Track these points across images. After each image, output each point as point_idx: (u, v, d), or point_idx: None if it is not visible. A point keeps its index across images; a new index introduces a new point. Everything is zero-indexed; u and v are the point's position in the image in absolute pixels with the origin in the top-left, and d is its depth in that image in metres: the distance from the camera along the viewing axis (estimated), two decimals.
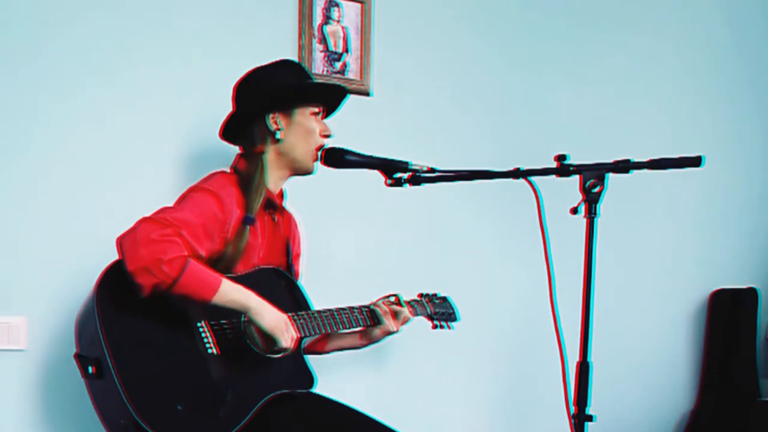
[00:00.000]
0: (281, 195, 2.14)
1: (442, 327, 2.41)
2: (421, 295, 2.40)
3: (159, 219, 1.78)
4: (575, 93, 3.17)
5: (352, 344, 2.27)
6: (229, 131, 2.12)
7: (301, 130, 2.07)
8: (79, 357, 1.81)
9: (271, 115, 2.05)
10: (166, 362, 1.80)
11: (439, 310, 2.40)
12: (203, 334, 1.86)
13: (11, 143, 2.21)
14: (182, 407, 1.77)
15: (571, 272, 2.14)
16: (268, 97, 2.04)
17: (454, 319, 2.45)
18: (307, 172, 2.12)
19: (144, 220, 1.78)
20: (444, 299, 2.45)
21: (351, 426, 2.01)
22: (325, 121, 2.15)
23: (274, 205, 2.10)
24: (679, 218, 3.46)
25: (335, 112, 2.21)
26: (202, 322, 1.87)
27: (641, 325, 3.34)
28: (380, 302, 2.21)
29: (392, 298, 2.24)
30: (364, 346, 2.27)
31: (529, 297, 2.92)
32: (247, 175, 2.03)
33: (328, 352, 2.31)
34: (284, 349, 1.91)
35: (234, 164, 2.09)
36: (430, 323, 2.40)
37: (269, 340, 1.90)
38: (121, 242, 1.75)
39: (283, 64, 2.12)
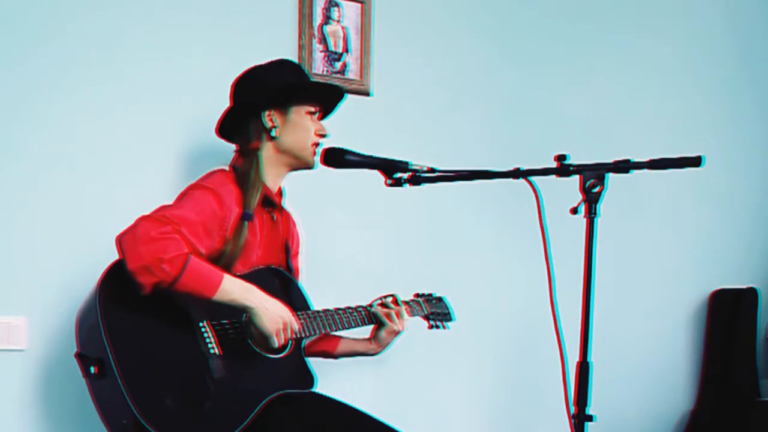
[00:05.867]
0: (280, 193, 2.14)
1: (438, 327, 2.43)
2: (417, 295, 2.40)
3: (158, 217, 1.77)
4: (575, 93, 3.17)
5: (365, 350, 2.25)
6: (225, 128, 2.13)
7: (295, 129, 2.07)
8: (80, 356, 1.81)
9: (266, 112, 2.06)
10: (168, 362, 1.79)
11: (435, 311, 2.41)
12: (205, 334, 1.86)
13: (11, 143, 2.21)
14: (184, 407, 1.77)
15: (571, 272, 2.14)
16: (265, 93, 2.04)
17: (450, 320, 2.46)
18: (307, 167, 2.12)
19: (143, 218, 1.78)
20: (440, 299, 2.46)
21: (352, 425, 2.01)
22: (323, 121, 2.15)
23: (272, 204, 2.10)
24: (679, 218, 3.46)
25: (332, 114, 2.21)
26: (204, 322, 1.87)
27: (641, 325, 3.34)
28: (377, 303, 2.22)
29: (389, 299, 2.25)
30: (378, 351, 2.25)
31: (529, 297, 2.92)
32: (243, 171, 2.04)
33: (337, 357, 2.30)
34: (281, 349, 1.90)
35: (232, 162, 2.10)
36: (426, 323, 2.41)
37: (267, 339, 1.90)
38: (121, 241, 1.75)
39: (282, 63, 2.12)
